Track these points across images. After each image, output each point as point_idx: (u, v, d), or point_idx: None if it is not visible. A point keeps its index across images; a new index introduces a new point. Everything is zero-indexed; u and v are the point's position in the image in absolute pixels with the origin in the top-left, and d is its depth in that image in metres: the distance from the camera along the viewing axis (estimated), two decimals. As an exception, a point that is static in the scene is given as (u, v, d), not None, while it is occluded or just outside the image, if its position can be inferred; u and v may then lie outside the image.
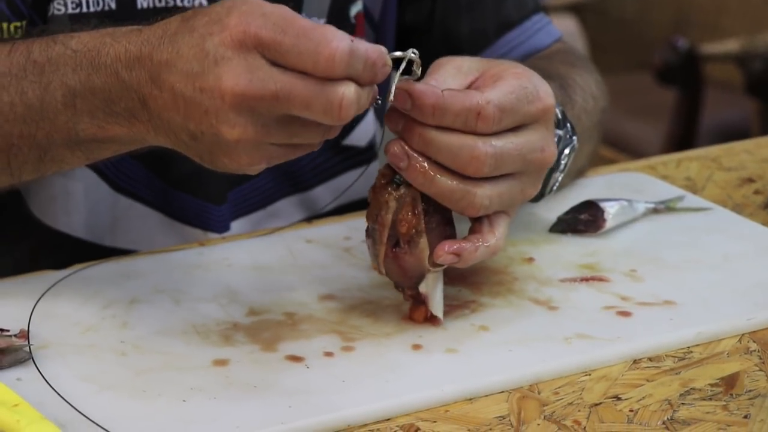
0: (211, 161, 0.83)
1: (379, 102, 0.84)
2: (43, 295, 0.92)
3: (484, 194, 0.86)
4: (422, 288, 0.88)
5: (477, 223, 0.89)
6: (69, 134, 0.87)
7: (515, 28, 1.17)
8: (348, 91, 0.80)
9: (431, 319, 0.89)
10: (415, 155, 0.85)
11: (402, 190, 0.86)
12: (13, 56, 0.88)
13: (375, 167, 1.18)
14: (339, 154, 1.15)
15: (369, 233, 0.88)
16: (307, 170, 1.14)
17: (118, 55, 0.84)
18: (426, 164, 0.85)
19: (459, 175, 0.85)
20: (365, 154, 1.17)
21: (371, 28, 1.16)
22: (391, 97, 0.84)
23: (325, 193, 1.16)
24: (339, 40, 0.79)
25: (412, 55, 0.84)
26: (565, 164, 0.98)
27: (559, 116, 0.96)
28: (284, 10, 0.80)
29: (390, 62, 0.82)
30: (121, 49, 0.84)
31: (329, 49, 0.79)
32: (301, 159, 1.13)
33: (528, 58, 1.17)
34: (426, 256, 0.87)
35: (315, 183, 1.15)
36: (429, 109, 0.83)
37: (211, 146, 0.82)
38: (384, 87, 0.84)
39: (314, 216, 1.14)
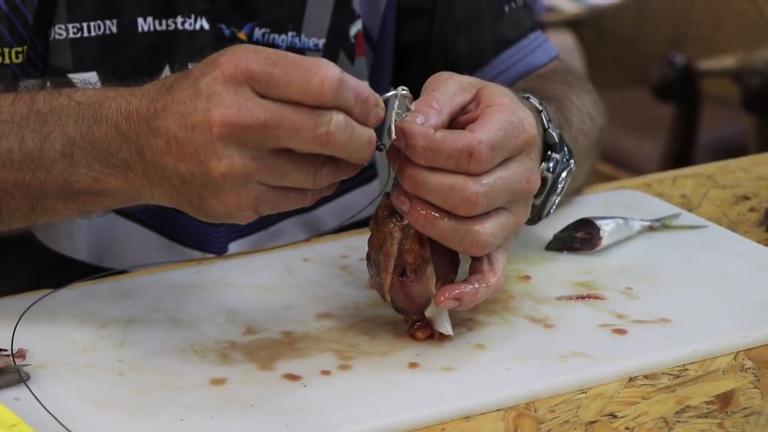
0: (200, 206, 0.83)
1: (381, 146, 0.85)
2: (36, 314, 0.93)
3: (487, 231, 0.86)
4: (428, 313, 0.89)
5: (476, 262, 0.89)
6: (63, 185, 0.87)
7: (512, 46, 1.18)
8: (337, 117, 0.80)
9: (441, 338, 0.89)
10: (417, 198, 0.85)
11: (406, 221, 0.87)
12: (16, 105, 0.89)
13: (375, 186, 1.18)
14: None
15: (372, 262, 0.88)
16: None
17: (119, 107, 0.85)
18: (427, 208, 0.85)
19: (460, 216, 0.85)
20: (367, 172, 1.18)
21: (370, 47, 1.17)
22: (393, 135, 0.84)
23: (328, 214, 1.16)
24: (328, 68, 0.80)
25: (402, 92, 0.85)
26: (563, 187, 0.98)
27: (556, 139, 0.96)
28: (271, 49, 0.81)
29: (382, 104, 0.83)
30: (122, 102, 0.85)
31: (319, 76, 0.79)
32: None
33: (525, 76, 1.18)
34: (433, 284, 0.87)
35: (318, 203, 1.15)
36: (421, 151, 0.84)
37: (200, 188, 0.82)
38: (380, 130, 0.85)
39: (318, 236, 1.14)
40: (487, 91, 0.88)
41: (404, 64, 1.21)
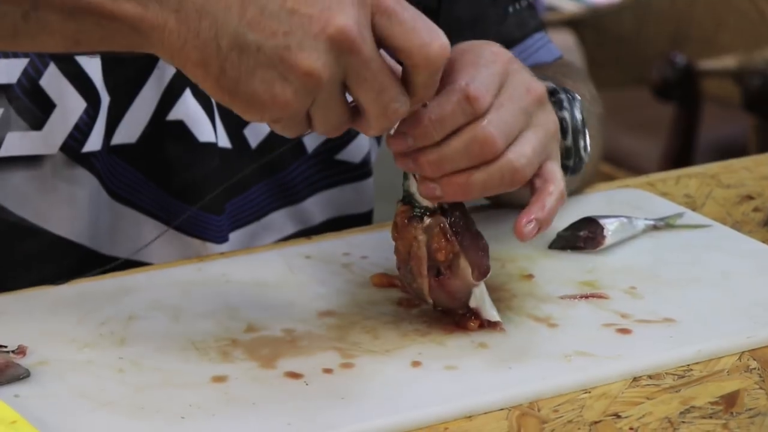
0: (236, 84, 0.77)
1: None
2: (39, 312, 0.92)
3: (519, 154, 0.85)
4: (472, 303, 0.88)
5: (531, 185, 0.88)
6: None
7: (516, 46, 1.17)
8: (406, 100, 0.80)
9: (490, 326, 0.89)
10: (443, 179, 0.85)
11: (427, 221, 0.86)
12: None
13: (370, 184, 1.18)
14: (331, 168, 1.15)
15: (404, 271, 0.88)
16: (298, 182, 1.14)
17: None
18: (454, 178, 0.85)
19: (490, 161, 0.85)
20: (359, 170, 1.17)
21: None
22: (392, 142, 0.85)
23: (316, 206, 1.15)
24: (447, 39, 0.79)
25: None
26: (583, 121, 0.97)
27: (553, 85, 0.96)
28: None
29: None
30: None
31: (441, 42, 0.78)
32: (293, 171, 1.13)
33: None
34: (469, 274, 0.87)
35: (305, 195, 1.15)
36: (428, 126, 0.83)
37: (257, 66, 0.77)
38: None
39: (306, 229, 1.14)
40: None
41: None
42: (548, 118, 0.89)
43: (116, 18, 0.79)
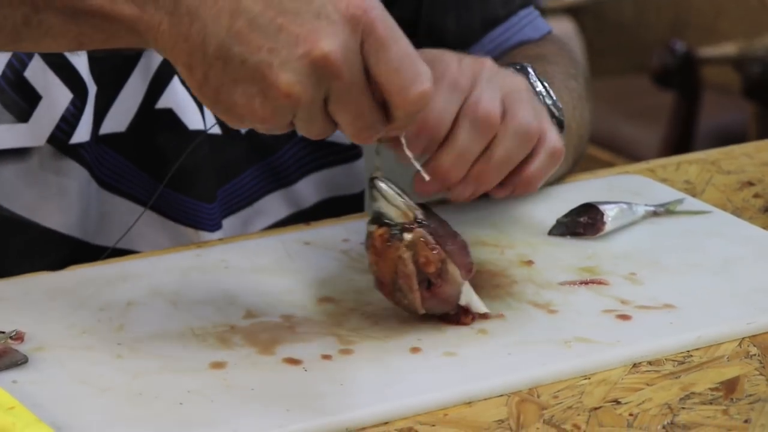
0: (219, 90, 0.78)
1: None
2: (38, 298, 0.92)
3: (522, 115, 0.87)
4: (462, 302, 0.88)
5: None
6: (74, 0, 0.80)
7: (501, 24, 1.17)
8: (381, 129, 0.80)
9: (480, 317, 0.89)
10: (468, 178, 0.87)
11: (408, 237, 0.86)
12: None
13: (361, 165, 1.17)
14: (321, 150, 1.15)
15: (393, 290, 0.87)
16: (289, 164, 1.14)
17: None
18: (476, 168, 0.86)
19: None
20: (349, 152, 1.17)
21: None
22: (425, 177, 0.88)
23: (308, 187, 1.15)
24: (431, 84, 0.78)
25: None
26: (539, 82, 0.98)
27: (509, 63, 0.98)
28: (395, 22, 0.78)
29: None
30: None
31: (423, 89, 0.78)
32: (285, 154, 1.13)
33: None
34: (458, 276, 0.87)
35: (297, 177, 1.15)
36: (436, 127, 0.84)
37: (240, 79, 0.77)
38: None
39: (300, 212, 1.13)
40: None
41: None
42: (512, 79, 0.90)
43: (115, 19, 0.79)
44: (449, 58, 0.90)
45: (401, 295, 0.87)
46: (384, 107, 0.80)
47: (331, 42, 0.76)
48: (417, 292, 0.86)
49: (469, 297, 0.88)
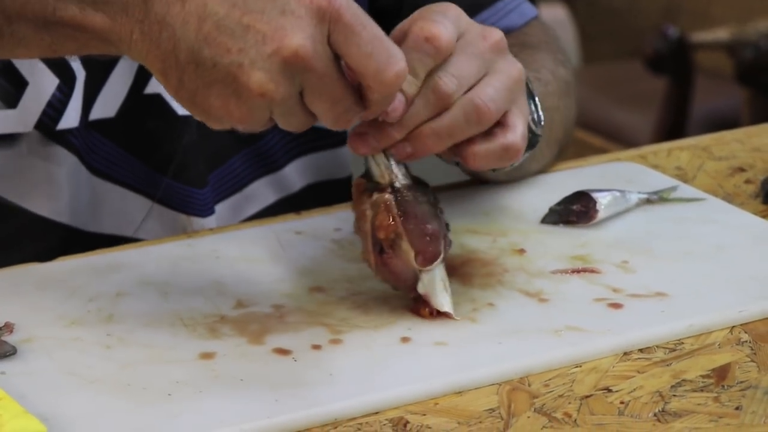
0: (195, 93, 0.78)
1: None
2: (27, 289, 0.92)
3: (479, 92, 0.84)
4: (420, 289, 0.87)
5: (492, 128, 0.87)
6: (45, 10, 0.81)
7: (486, 9, 1.16)
8: (359, 114, 0.80)
9: (440, 315, 0.87)
10: (410, 135, 0.84)
11: (375, 196, 0.86)
12: None
13: (347, 150, 1.17)
14: (307, 134, 1.14)
15: (361, 243, 0.88)
16: (276, 149, 1.14)
17: None
18: (421, 130, 0.84)
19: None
20: (335, 137, 1.16)
21: None
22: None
23: (295, 172, 1.15)
24: (404, 63, 0.78)
25: None
26: (528, 93, 0.96)
27: None
28: (360, 8, 0.78)
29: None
30: None
31: (397, 69, 0.78)
32: (272, 139, 1.13)
33: None
34: (411, 258, 0.86)
35: (284, 162, 1.14)
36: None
37: (213, 82, 0.77)
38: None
39: (288, 197, 1.13)
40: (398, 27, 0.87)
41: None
42: (510, 66, 0.88)
43: (87, 29, 0.80)
44: (465, 24, 0.87)
45: (362, 252, 0.87)
46: (358, 91, 0.80)
47: (298, 37, 0.76)
48: (371, 253, 0.86)
49: (430, 288, 0.87)
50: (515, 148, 0.87)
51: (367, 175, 0.87)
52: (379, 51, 0.78)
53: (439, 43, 0.83)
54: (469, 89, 0.85)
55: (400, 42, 0.85)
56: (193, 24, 0.77)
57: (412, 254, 0.86)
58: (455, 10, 0.87)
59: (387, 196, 0.86)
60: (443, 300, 0.87)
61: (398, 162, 0.87)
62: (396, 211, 0.85)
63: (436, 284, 0.87)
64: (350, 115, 0.81)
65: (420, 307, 0.88)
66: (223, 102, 0.78)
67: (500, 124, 0.87)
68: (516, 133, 0.87)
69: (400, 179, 0.87)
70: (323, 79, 0.78)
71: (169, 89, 0.80)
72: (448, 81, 0.84)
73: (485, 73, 0.86)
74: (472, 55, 0.85)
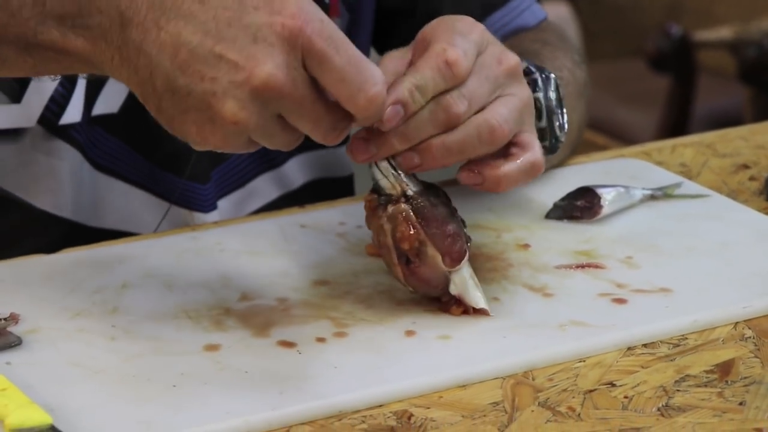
0: (172, 119, 0.79)
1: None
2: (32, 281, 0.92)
3: (493, 113, 0.85)
4: (453, 290, 0.87)
5: (507, 151, 0.87)
6: (26, 34, 0.81)
7: (500, 9, 1.16)
8: (347, 128, 0.80)
9: (476, 312, 0.87)
10: (420, 146, 0.84)
11: (390, 210, 0.86)
12: None
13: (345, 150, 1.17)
14: None
15: (384, 260, 0.88)
16: None
17: None
18: (431, 142, 0.84)
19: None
20: None
21: (347, 9, 1.14)
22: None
23: (296, 168, 1.15)
24: (382, 86, 0.78)
25: None
26: (558, 99, 0.97)
27: (527, 64, 0.96)
28: (336, 28, 0.78)
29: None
30: None
31: (372, 93, 0.78)
32: None
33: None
34: (439, 262, 0.86)
35: (286, 157, 1.14)
36: (412, 96, 0.83)
37: (189, 109, 0.78)
38: None
39: (289, 193, 1.13)
40: (421, 33, 0.87)
41: (388, 30, 1.19)
42: (521, 90, 0.88)
43: (68, 53, 0.81)
44: (479, 37, 0.87)
45: (388, 267, 0.87)
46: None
47: (269, 66, 0.76)
48: (397, 266, 0.86)
49: (462, 288, 0.87)
50: (538, 165, 0.88)
51: (377, 189, 0.87)
52: (352, 77, 0.78)
53: (457, 70, 0.84)
54: (480, 110, 0.85)
55: (420, 51, 0.85)
56: (168, 52, 0.77)
57: (438, 258, 0.86)
58: (479, 32, 0.87)
59: (403, 206, 0.86)
60: (477, 297, 0.87)
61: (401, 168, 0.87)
62: (415, 220, 0.85)
63: (467, 283, 0.87)
64: (337, 132, 0.81)
65: (451, 306, 0.88)
66: (199, 128, 0.78)
67: (516, 144, 0.88)
68: (535, 152, 0.88)
69: (412, 187, 0.86)
70: (301, 102, 0.78)
71: (151, 111, 0.80)
72: (459, 102, 0.84)
73: (497, 96, 0.86)
74: (485, 79, 0.86)
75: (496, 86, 0.86)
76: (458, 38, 0.85)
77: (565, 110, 0.98)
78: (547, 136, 0.97)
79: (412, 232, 0.85)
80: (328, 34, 0.77)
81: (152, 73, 0.78)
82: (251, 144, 0.80)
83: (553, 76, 0.97)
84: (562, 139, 0.99)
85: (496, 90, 0.86)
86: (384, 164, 0.86)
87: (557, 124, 0.97)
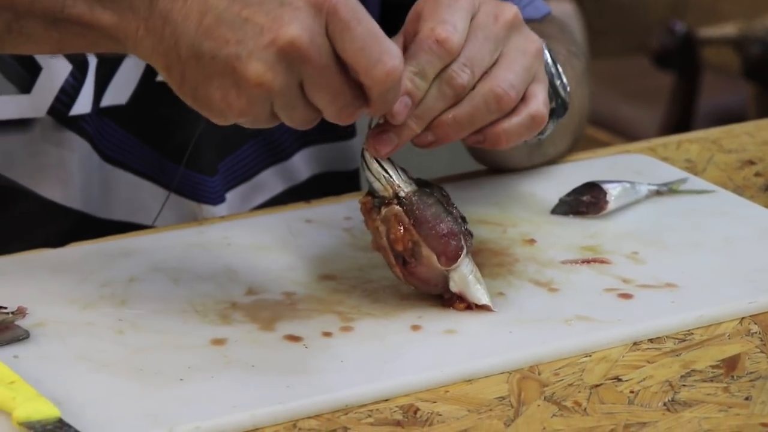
0: (196, 87, 0.79)
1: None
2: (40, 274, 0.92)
3: (498, 80, 0.85)
4: (453, 288, 0.87)
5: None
6: (54, 8, 0.82)
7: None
8: (360, 109, 0.80)
9: (479, 308, 0.88)
10: (432, 124, 0.84)
11: (383, 211, 0.86)
12: None
13: (355, 143, 1.17)
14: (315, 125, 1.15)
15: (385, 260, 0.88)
16: (284, 138, 1.14)
17: None
18: (441, 119, 0.84)
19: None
20: (343, 130, 1.17)
21: None
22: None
23: (302, 161, 1.15)
24: (399, 61, 0.78)
25: None
26: (553, 61, 0.96)
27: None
28: (358, 2, 0.78)
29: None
30: None
31: (389, 67, 0.78)
32: (280, 128, 1.13)
33: None
34: (435, 262, 0.86)
35: (293, 151, 1.15)
36: (414, 84, 0.83)
37: (213, 74, 0.78)
38: None
39: (295, 187, 1.13)
40: (411, 13, 0.87)
41: (393, 25, 1.19)
42: (526, 40, 0.88)
43: (95, 27, 0.82)
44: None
45: (389, 267, 0.87)
46: (361, 87, 0.81)
47: (295, 27, 0.77)
48: (395, 266, 0.87)
49: (463, 284, 0.87)
50: (540, 116, 0.88)
51: (371, 191, 0.87)
52: (372, 47, 0.78)
53: (450, 46, 0.84)
54: (485, 73, 0.85)
55: (411, 33, 0.85)
56: (194, 19, 0.78)
57: (434, 258, 0.86)
58: None
59: (396, 208, 0.86)
60: (479, 294, 0.88)
61: (397, 169, 0.87)
62: (407, 220, 0.86)
63: (467, 279, 0.87)
64: (351, 110, 0.81)
65: (454, 302, 0.88)
66: (223, 94, 0.79)
67: (523, 99, 0.88)
68: (538, 101, 0.87)
69: (404, 188, 0.87)
70: (322, 71, 0.78)
71: (173, 85, 0.81)
72: (462, 73, 0.84)
73: (500, 54, 0.86)
74: (484, 39, 0.86)
75: (498, 43, 0.86)
76: (445, 12, 0.85)
77: (561, 69, 0.98)
78: (552, 98, 0.96)
79: (404, 234, 0.86)
80: (352, 5, 0.78)
81: (177, 41, 0.79)
82: (272, 118, 0.81)
83: (541, 41, 0.97)
84: (567, 98, 0.98)
85: (498, 47, 0.86)
86: (375, 166, 0.86)
87: (558, 83, 0.97)
